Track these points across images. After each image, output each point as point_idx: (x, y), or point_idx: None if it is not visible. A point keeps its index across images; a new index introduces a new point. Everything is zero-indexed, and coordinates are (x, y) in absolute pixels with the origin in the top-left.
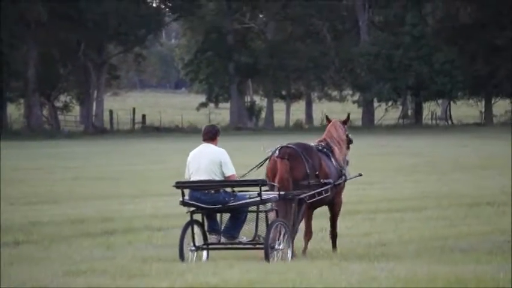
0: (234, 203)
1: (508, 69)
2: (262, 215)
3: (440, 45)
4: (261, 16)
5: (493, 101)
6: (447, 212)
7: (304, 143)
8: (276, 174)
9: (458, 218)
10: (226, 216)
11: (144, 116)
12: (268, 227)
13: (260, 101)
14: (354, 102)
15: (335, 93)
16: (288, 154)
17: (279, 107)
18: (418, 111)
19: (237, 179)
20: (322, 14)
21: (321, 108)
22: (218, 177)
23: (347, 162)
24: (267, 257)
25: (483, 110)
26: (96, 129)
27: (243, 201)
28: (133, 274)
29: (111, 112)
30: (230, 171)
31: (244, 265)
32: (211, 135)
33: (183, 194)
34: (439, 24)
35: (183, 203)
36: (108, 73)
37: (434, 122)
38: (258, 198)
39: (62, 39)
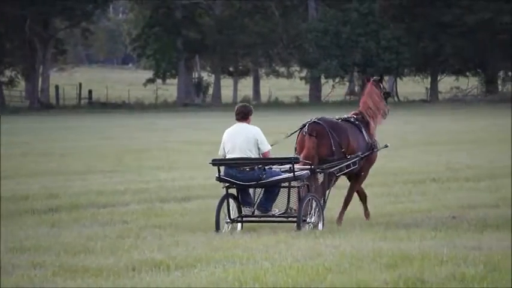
0: (267, 180)
1: (454, 47)
2: (294, 190)
3: (387, 22)
4: None
5: (438, 78)
6: (393, 188)
7: (333, 120)
8: (304, 149)
9: (404, 194)
10: (259, 190)
11: (90, 92)
12: (300, 201)
13: (208, 77)
14: (301, 78)
15: (282, 69)
16: (316, 131)
17: (227, 83)
18: (364, 87)
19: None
20: None
21: (269, 85)
22: (253, 155)
23: (388, 110)
24: (299, 229)
25: (429, 86)
26: (42, 104)
27: (277, 177)
28: (78, 251)
29: (57, 87)
30: (266, 147)
31: (190, 242)
32: (243, 114)
33: (219, 171)
34: (386, 1)
35: (219, 179)
36: (55, 48)
37: None
38: (291, 174)
39: (7, 14)
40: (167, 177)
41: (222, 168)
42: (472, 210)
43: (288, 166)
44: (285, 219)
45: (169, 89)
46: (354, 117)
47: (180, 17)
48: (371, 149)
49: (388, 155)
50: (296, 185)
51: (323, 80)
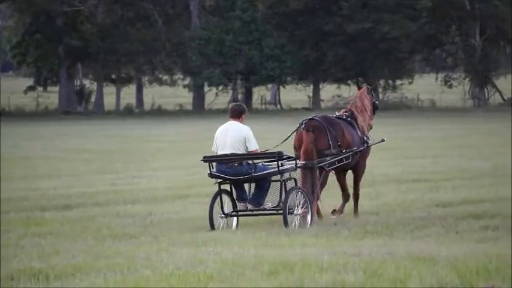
0: (255, 174)
1: (335, 55)
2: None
3: (270, 30)
4: None
5: (320, 86)
6: None
7: (329, 116)
8: (302, 144)
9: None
10: (253, 185)
11: None
12: (286, 194)
13: (90, 84)
14: (184, 86)
15: (166, 77)
16: (313, 126)
17: (109, 90)
18: (248, 96)
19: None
20: None
21: (152, 93)
22: (242, 152)
23: (371, 127)
24: (285, 222)
25: (311, 94)
26: None
27: (264, 172)
28: None
29: None
30: (253, 146)
31: (70, 250)
32: (237, 113)
33: (210, 167)
34: (269, 10)
35: (211, 175)
36: None
37: (263, 106)
38: (276, 169)
39: None
40: (48, 185)
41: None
42: (352, 217)
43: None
44: (276, 212)
45: (51, 97)
46: (345, 114)
47: (61, 24)
48: (364, 143)
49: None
50: (281, 178)
51: (206, 88)
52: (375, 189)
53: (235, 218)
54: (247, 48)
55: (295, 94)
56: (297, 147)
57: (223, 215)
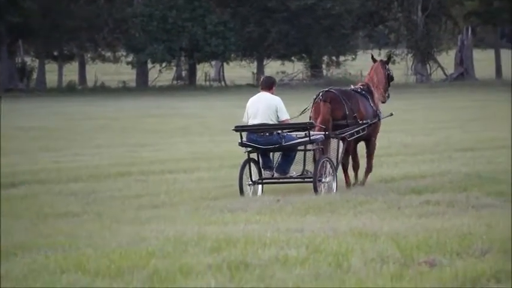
0: (286, 143)
1: (279, 32)
2: (309, 153)
3: (213, 7)
4: None
5: (264, 63)
6: (219, 173)
7: (344, 89)
8: (319, 115)
9: (229, 178)
10: (277, 154)
11: None
12: (316, 163)
13: (31, 61)
14: (127, 63)
15: (108, 54)
16: (330, 98)
17: (51, 68)
18: (192, 73)
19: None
20: None
21: (94, 70)
22: (273, 121)
23: (388, 96)
24: (315, 189)
25: (255, 71)
26: None
27: (294, 141)
28: None
29: None
30: (284, 115)
31: (12, 228)
32: (268, 84)
33: (241, 136)
34: None
35: (242, 144)
36: None
37: (208, 83)
38: (307, 138)
39: None
40: None
41: (244, 135)
42: (296, 194)
43: (303, 133)
44: (301, 180)
45: None
46: (360, 87)
47: (2, 1)
48: (377, 116)
49: (214, 139)
50: (311, 148)
51: (150, 65)
52: None
53: (260, 186)
54: (190, 24)
55: (239, 71)
56: (314, 118)
57: (251, 183)
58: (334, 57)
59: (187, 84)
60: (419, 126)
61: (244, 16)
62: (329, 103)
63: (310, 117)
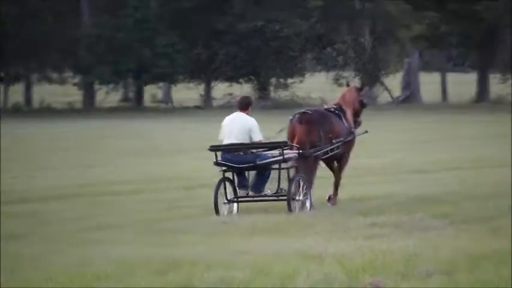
0: (260, 162)
1: (227, 54)
2: (283, 171)
3: (162, 28)
4: None
5: (212, 85)
6: (165, 194)
7: (319, 109)
8: (295, 136)
9: (176, 200)
10: (252, 173)
11: None
12: (290, 181)
13: None
14: (74, 84)
15: (55, 75)
16: (306, 120)
17: None
18: (139, 94)
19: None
20: None
21: (41, 91)
22: (247, 141)
23: (359, 123)
24: (289, 208)
25: (203, 93)
26: None
27: (269, 160)
28: None
29: None
30: (257, 137)
31: None
32: (244, 105)
33: (216, 156)
34: (161, 8)
35: (217, 163)
36: None
37: (155, 104)
38: (281, 157)
39: None
40: None
41: (219, 154)
42: (243, 215)
43: (277, 151)
44: (276, 198)
45: None
46: (333, 107)
47: None
48: (351, 134)
49: (162, 161)
50: (286, 166)
51: (97, 87)
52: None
53: (235, 204)
54: (138, 46)
55: (186, 93)
56: (290, 139)
57: (226, 201)
58: (282, 80)
59: (134, 105)
60: (367, 148)
61: (192, 38)
62: (305, 125)
63: (287, 138)
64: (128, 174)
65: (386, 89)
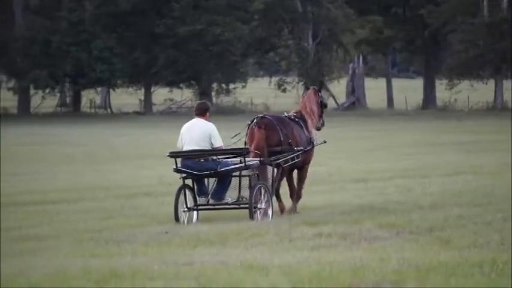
0: (221, 169)
1: (167, 58)
2: (245, 179)
3: (98, 31)
4: None
5: (152, 90)
6: (103, 203)
7: (279, 115)
8: (254, 141)
9: (115, 209)
10: (212, 180)
11: None
12: (251, 189)
13: None
14: (9, 89)
15: None
16: (265, 124)
17: None
18: (77, 99)
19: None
20: None
21: None
22: (207, 148)
23: (323, 123)
24: (251, 216)
25: (143, 98)
26: None
27: (230, 167)
28: None
29: None
30: (218, 142)
31: None
32: (202, 110)
33: (176, 163)
34: (97, 10)
35: (177, 170)
36: None
37: (93, 110)
38: (243, 164)
39: None
40: None
41: (178, 160)
42: (185, 226)
43: (238, 159)
44: (237, 206)
45: None
46: (294, 114)
47: None
48: (311, 144)
49: (98, 169)
50: (247, 174)
51: (32, 91)
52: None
53: (195, 212)
54: (75, 49)
55: (126, 98)
56: (249, 143)
57: (186, 209)
58: (223, 85)
59: (71, 111)
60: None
61: (131, 41)
62: (264, 129)
63: (245, 143)
64: (63, 183)
65: (331, 95)
